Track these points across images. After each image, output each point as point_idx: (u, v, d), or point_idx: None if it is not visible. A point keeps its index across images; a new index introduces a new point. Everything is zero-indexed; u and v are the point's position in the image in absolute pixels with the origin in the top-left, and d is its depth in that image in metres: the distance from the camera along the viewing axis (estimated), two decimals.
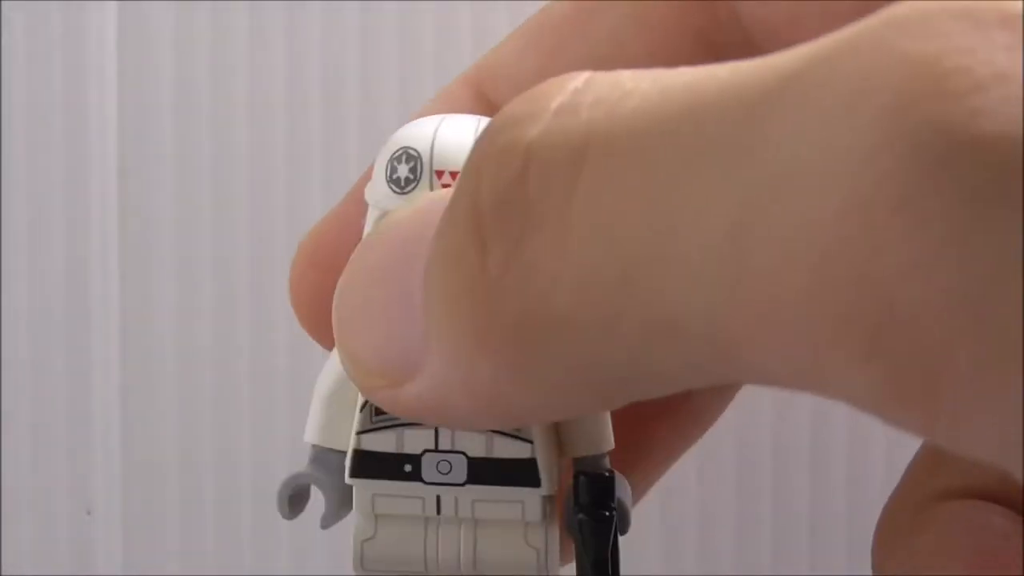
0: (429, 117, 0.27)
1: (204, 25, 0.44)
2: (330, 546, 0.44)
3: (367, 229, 0.26)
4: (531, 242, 0.20)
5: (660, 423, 0.29)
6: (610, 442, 0.26)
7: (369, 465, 0.26)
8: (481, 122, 0.26)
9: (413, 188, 0.26)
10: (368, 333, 0.23)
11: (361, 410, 0.26)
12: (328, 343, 0.29)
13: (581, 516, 0.26)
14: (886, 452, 0.45)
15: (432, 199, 0.23)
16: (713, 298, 0.18)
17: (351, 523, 0.28)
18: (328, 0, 0.44)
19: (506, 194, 0.20)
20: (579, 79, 0.20)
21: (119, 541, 0.45)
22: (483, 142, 0.21)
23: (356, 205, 0.28)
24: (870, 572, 0.30)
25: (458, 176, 0.22)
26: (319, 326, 0.29)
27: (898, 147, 0.17)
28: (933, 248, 0.16)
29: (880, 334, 0.17)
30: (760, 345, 0.18)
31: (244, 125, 0.45)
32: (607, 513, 0.26)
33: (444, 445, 0.26)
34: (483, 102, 0.28)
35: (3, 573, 0.45)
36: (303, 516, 0.28)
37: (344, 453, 0.27)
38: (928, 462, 0.28)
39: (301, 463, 0.44)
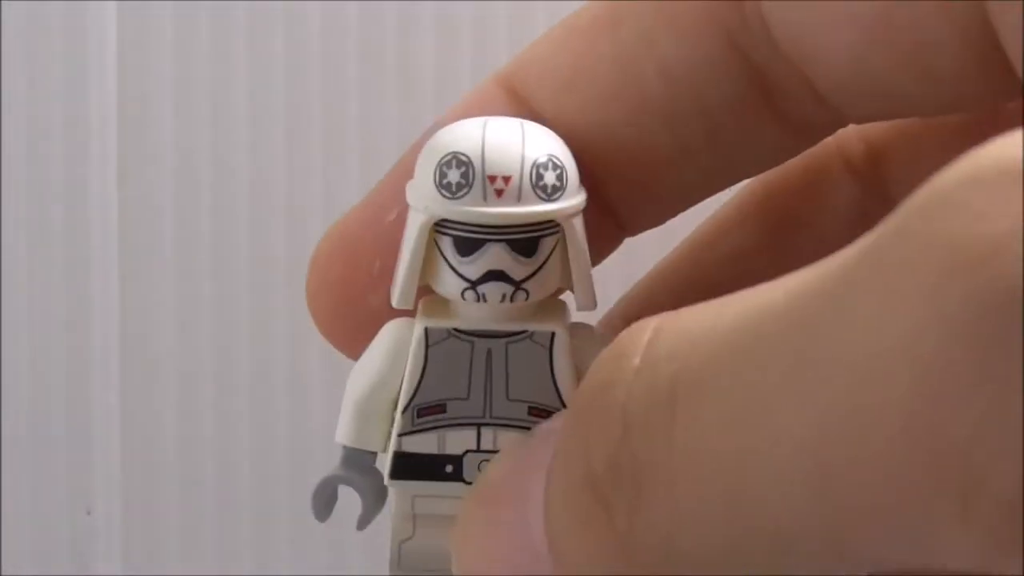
0: (471, 120, 0.27)
1: (204, 25, 0.44)
2: (330, 546, 0.44)
3: (408, 231, 0.26)
4: (647, 495, 0.21)
5: None
6: None
7: (410, 467, 0.27)
8: (524, 124, 0.26)
9: (466, 193, 0.26)
10: (489, 548, 0.25)
11: (403, 412, 0.27)
12: (340, 340, 0.29)
13: None
14: None
15: (536, 449, 0.25)
16: (811, 498, 0.19)
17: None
18: (328, 0, 0.44)
19: (616, 457, 0.22)
20: (649, 330, 0.22)
21: (119, 541, 0.45)
22: (582, 401, 0.23)
23: (387, 197, 0.28)
24: None
25: (561, 439, 0.23)
26: (336, 321, 0.29)
27: (944, 322, 0.18)
28: (986, 403, 0.18)
29: (968, 492, 0.18)
30: (861, 531, 0.19)
31: (244, 125, 0.45)
32: None
33: (486, 445, 0.27)
34: (516, 101, 0.29)
35: (3, 573, 0.45)
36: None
37: (375, 454, 0.27)
38: None
39: (301, 463, 0.45)
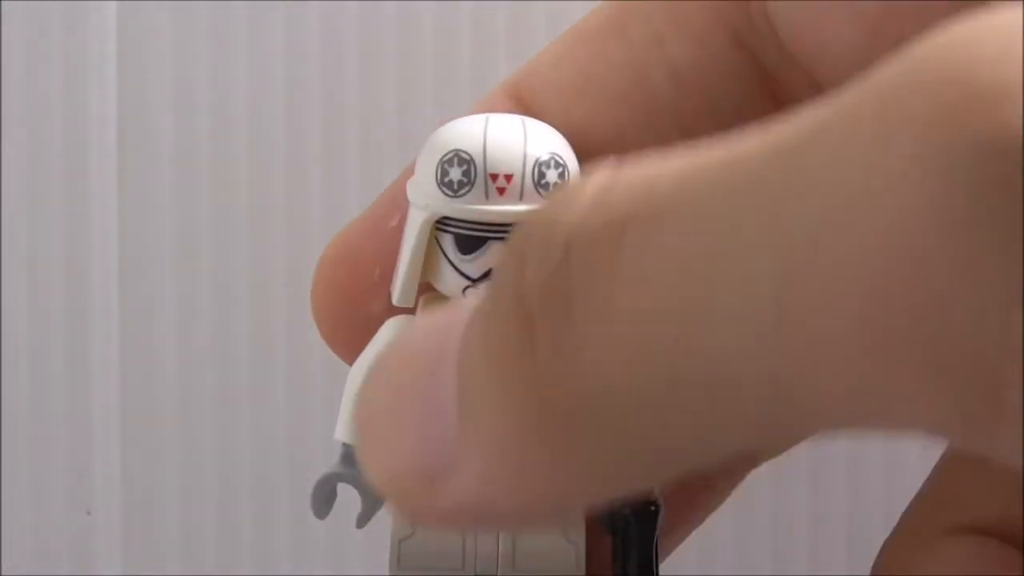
0: (472, 117, 0.27)
1: (204, 25, 0.44)
2: (330, 546, 0.44)
3: (409, 229, 0.26)
4: (579, 324, 0.20)
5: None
6: None
7: None
8: (526, 122, 0.26)
9: (468, 191, 0.26)
10: (396, 441, 0.22)
11: None
12: (342, 346, 0.29)
13: (627, 511, 0.26)
14: (885, 452, 0.45)
15: (457, 310, 0.23)
16: (767, 347, 0.18)
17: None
18: (328, 0, 0.44)
19: (550, 281, 0.20)
20: (608, 173, 0.21)
21: (119, 541, 0.45)
22: (521, 236, 0.21)
23: (389, 207, 0.28)
24: (869, 572, 0.30)
25: (493, 272, 0.22)
26: (338, 326, 0.29)
27: (937, 165, 0.17)
28: (978, 261, 0.17)
29: (940, 354, 0.17)
30: (817, 386, 0.18)
31: (244, 125, 0.45)
32: (652, 508, 0.26)
33: None
34: (524, 110, 0.28)
35: (3, 573, 0.45)
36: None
37: None
38: (930, 500, 0.28)
39: (302, 463, 0.45)
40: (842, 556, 0.45)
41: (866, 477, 0.45)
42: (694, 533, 0.33)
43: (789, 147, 0.18)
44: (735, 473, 0.30)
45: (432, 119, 0.44)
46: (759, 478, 0.39)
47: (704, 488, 0.29)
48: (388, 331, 0.27)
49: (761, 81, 0.28)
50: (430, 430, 0.22)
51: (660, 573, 0.29)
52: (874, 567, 0.28)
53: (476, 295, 0.22)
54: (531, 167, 0.26)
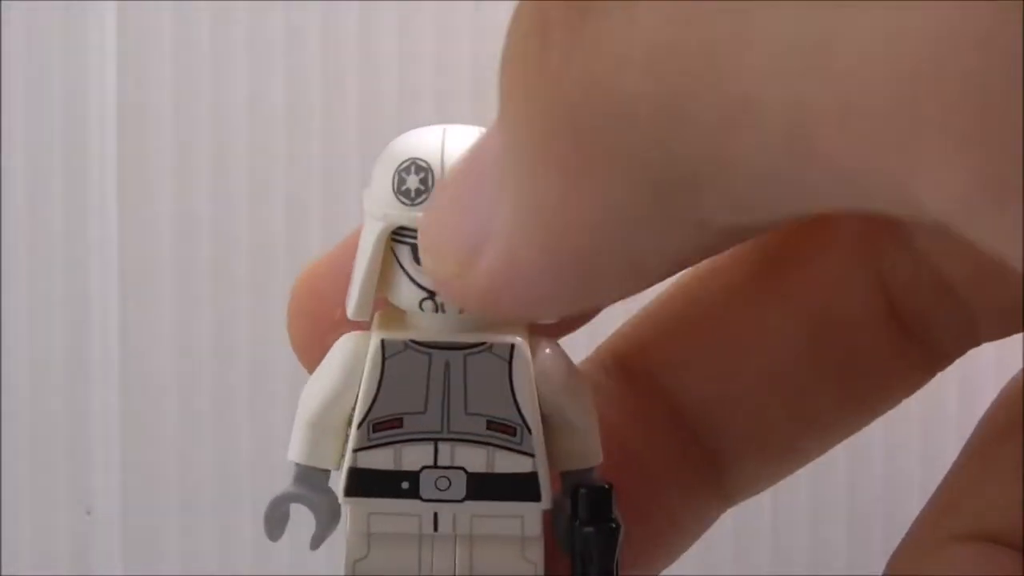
0: (429, 127, 0.26)
1: (204, 25, 0.44)
2: (330, 546, 0.44)
3: (365, 240, 0.26)
4: (596, 20, 0.18)
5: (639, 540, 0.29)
6: (599, 456, 0.26)
7: (365, 483, 0.26)
8: (483, 131, 0.26)
9: (424, 200, 0.25)
10: (443, 222, 0.23)
11: (358, 427, 0.26)
12: (312, 364, 0.28)
13: (588, 529, 0.26)
14: (885, 453, 0.45)
15: (479, 139, 0.23)
16: (796, 78, 0.17)
17: (345, 523, 0.28)
18: (328, 0, 0.44)
19: None
20: None
21: (119, 541, 0.45)
22: None
23: (351, 252, 0.27)
24: (870, 572, 0.30)
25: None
26: (306, 346, 0.28)
27: None
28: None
29: (982, 121, 0.16)
30: (843, 134, 0.17)
31: (244, 125, 0.45)
32: (612, 525, 0.26)
33: (443, 461, 0.26)
34: (630, 381, 0.29)
35: (3, 573, 0.45)
36: (303, 515, 0.28)
37: (328, 472, 0.27)
38: (938, 507, 0.28)
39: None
40: (842, 556, 0.45)
41: (866, 477, 0.45)
42: None
43: None
44: (704, 515, 0.30)
45: (432, 119, 0.44)
46: None
47: (670, 526, 0.29)
48: (343, 349, 0.26)
49: (895, 315, 0.27)
50: (471, 200, 0.22)
51: (659, 574, 0.29)
52: (884, 571, 0.28)
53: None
54: None
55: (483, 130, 0.26)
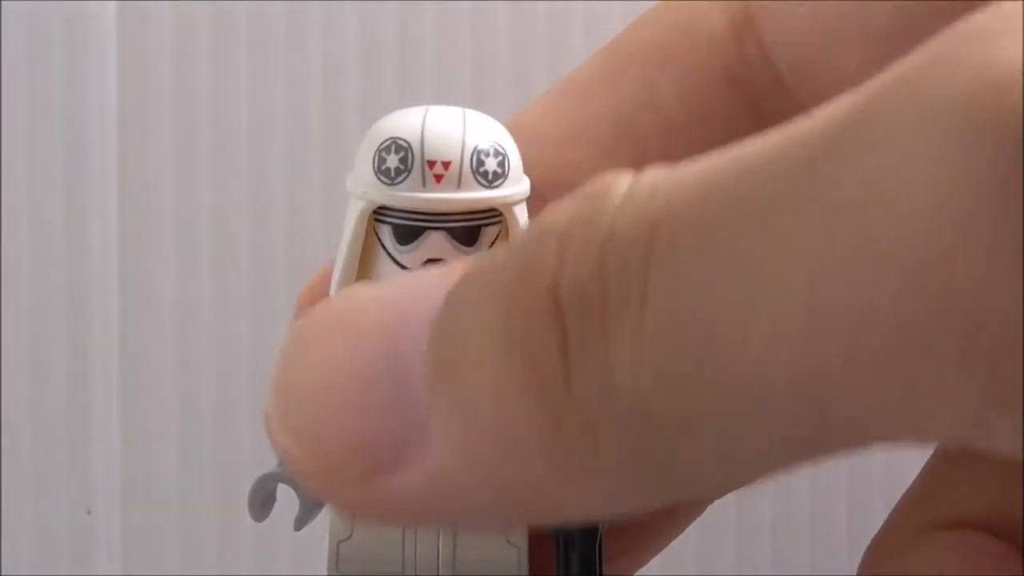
0: (412, 108, 0.26)
1: (204, 25, 0.44)
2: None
3: (347, 222, 0.26)
4: (612, 330, 0.19)
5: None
6: None
7: None
8: (466, 113, 0.26)
9: (404, 178, 0.25)
10: (338, 421, 0.21)
11: None
12: None
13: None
14: (885, 452, 0.45)
15: (415, 284, 0.22)
16: (798, 347, 0.17)
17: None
18: (328, 0, 0.44)
19: (586, 286, 0.19)
20: (629, 174, 0.20)
21: (119, 541, 0.45)
22: (555, 224, 0.20)
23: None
24: None
25: (504, 275, 0.20)
26: None
27: (974, 150, 0.16)
28: (1001, 240, 0.16)
29: (976, 339, 0.16)
30: (850, 383, 0.17)
31: (244, 124, 0.45)
32: None
33: None
34: None
35: (3, 573, 0.45)
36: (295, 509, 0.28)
37: None
38: (920, 494, 0.28)
39: None
40: (842, 556, 0.45)
41: (866, 477, 0.45)
42: (694, 531, 0.33)
43: (821, 139, 0.18)
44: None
45: None
46: None
47: (664, 513, 0.29)
48: None
49: (756, 123, 0.27)
50: (390, 412, 0.20)
51: (657, 574, 0.28)
52: (862, 561, 0.28)
53: (437, 276, 0.21)
54: (469, 154, 0.25)
55: (465, 110, 0.26)
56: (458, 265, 0.21)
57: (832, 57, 0.26)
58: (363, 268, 0.26)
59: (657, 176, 0.19)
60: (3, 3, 0.44)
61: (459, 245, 0.26)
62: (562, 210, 0.20)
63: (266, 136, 0.45)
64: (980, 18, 0.17)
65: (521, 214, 0.26)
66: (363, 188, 0.25)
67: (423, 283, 0.21)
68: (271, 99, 0.44)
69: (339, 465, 0.21)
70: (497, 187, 0.26)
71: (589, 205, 0.20)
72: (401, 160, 0.25)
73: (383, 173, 0.25)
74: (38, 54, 0.44)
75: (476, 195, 0.26)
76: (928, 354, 0.17)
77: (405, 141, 0.25)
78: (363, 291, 0.22)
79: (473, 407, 0.20)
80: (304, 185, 0.45)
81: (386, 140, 0.26)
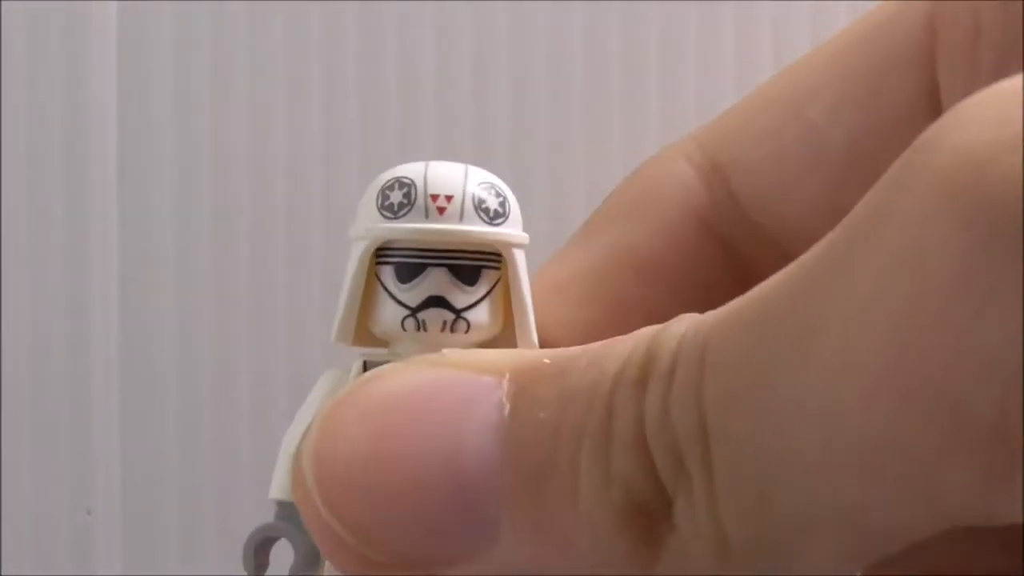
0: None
1: (204, 25, 0.44)
2: None
3: (349, 265, 0.26)
4: (696, 481, 0.20)
5: None
6: None
7: None
8: (468, 168, 0.26)
9: (408, 211, 0.25)
10: (393, 509, 0.21)
11: None
12: None
13: None
14: None
15: (468, 373, 0.22)
16: (827, 477, 0.19)
17: None
18: (328, 0, 0.44)
19: (669, 444, 0.20)
20: (671, 327, 0.21)
21: (119, 541, 0.45)
22: (629, 379, 0.21)
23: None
24: None
25: (600, 398, 0.21)
26: None
27: (922, 252, 0.17)
28: (963, 323, 0.17)
29: (951, 424, 0.17)
30: (875, 498, 0.18)
31: (244, 125, 0.45)
32: None
33: None
34: None
35: (3, 573, 0.45)
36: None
37: None
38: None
39: None
40: None
41: None
42: None
43: (805, 287, 0.19)
44: None
45: (432, 117, 0.44)
46: None
47: None
48: (324, 383, 0.26)
49: (730, 261, 0.29)
50: (448, 496, 0.21)
51: None
52: None
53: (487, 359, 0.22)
54: (471, 190, 0.26)
55: (468, 166, 0.26)
56: (505, 356, 0.22)
57: (794, 189, 0.28)
58: (364, 312, 0.26)
59: (697, 325, 0.21)
60: (3, 3, 0.44)
61: (460, 283, 0.26)
62: (626, 353, 0.21)
63: (266, 136, 0.45)
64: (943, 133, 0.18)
65: (521, 259, 0.26)
66: (366, 227, 0.26)
67: (477, 368, 0.22)
68: (271, 98, 0.44)
69: (390, 553, 0.21)
70: (499, 225, 0.26)
71: (650, 350, 0.21)
72: (404, 195, 0.26)
73: (386, 209, 0.26)
74: (38, 54, 0.44)
75: (478, 229, 0.26)
76: (919, 452, 0.18)
77: (408, 179, 0.26)
78: (414, 371, 0.22)
79: (561, 532, 0.21)
80: (304, 185, 0.45)
81: (390, 180, 0.26)
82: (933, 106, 0.27)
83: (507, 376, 0.21)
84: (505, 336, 0.27)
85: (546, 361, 0.21)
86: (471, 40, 0.45)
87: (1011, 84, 0.18)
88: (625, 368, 0.21)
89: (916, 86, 0.27)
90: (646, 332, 0.21)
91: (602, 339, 0.27)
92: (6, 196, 0.44)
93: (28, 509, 0.45)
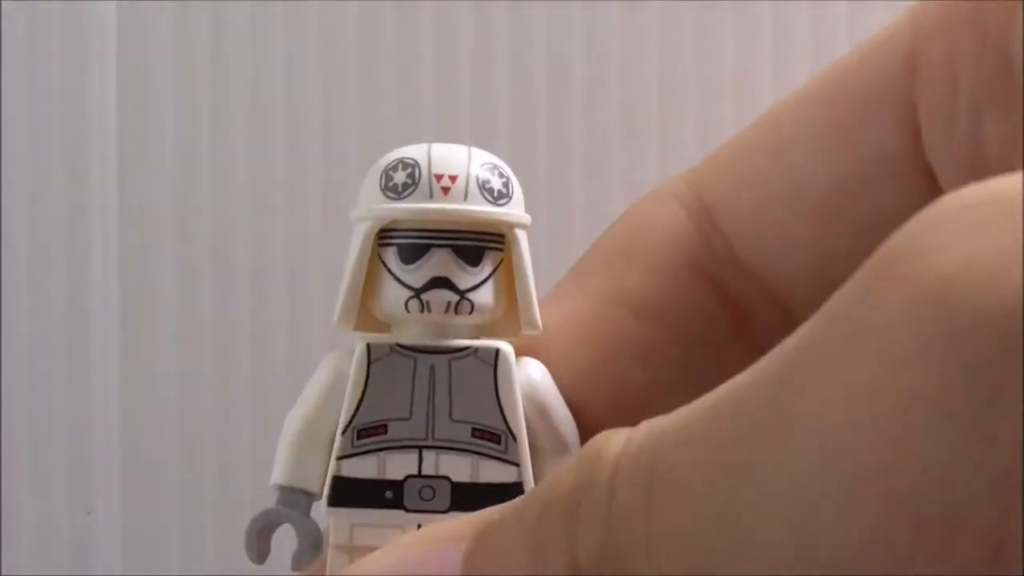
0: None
1: (204, 25, 0.44)
2: None
3: (352, 248, 0.26)
4: None
5: None
6: None
7: (349, 493, 0.26)
8: (471, 149, 0.26)
9: (412, 191, 0.25)
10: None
11: (343, 434, 0.26)
12: None
13: None
14: None
15: (428, 547, 0.23)
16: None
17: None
18: (328, 0, 0.44)
19: (601, 553, 0.20)
20: (622, 433, 0.21)
21: (119, 541, 0.45)
22: (558, 512, 0.21)
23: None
24: None
25: (534, 528, 0.21)
26: None
27: (906, 362, 0.17)
28: (955, 439, 0.17)
29: (947, 536, 0.17)
30: None
31: (244, 124, 0.45)
32: None
33: (428, 470, 0.26)
34: None
35: (3, 573, 0.45)
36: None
37: (313, 494, 0.26)
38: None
39: None
40: None
41: None
42: None
43: (782, 378, 0.19)
44: None
45: (431, 117, 0.44)
46: None
47: None
48: (327, 366, 0.27)
49: (724, 305, 0.29)
50: None
51: None
52: None
53: (447, 529, 0.22)
54: (475, 170, 0.26)
55: (471, 148, 0.26)
56: (468, 519, 0.22)
57: (779, 230, 0.28)
58: (367, 294, 0.26)
59: (640, 434, 0.21)
60: (3, 3, 0.44)
61: (463, 264, 0.26)
62: (564, 481, 0.21)
63: (266, 135, 0.45)
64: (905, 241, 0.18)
65: (524, 240, 0.26)
66: (368, 206, 0.26)
67: (442, 539, 0.23)
68: (271, 99, 0.44)
69: None
70: (502, 206, 0.26)
71: (586, 474, 0.21)
72: (408, 175, 0.26)
73: (390, 189, 0.26)
74: (38, 54, 0.44)
75: (483, 208, 0.26)
76: (911, 563, 0.18)
77: (412, 159, 0.26)
78: (387, 558, 0.23)
79: None
80: (305, 184, 0.45)
81: (393, 161, 0.26)
82: (915, 147, 0.27)
83: (468, 538, 0.22)
84: (507, 319, 0.27)
85: (496, 516, 0.22)
86: (471, 39, 0.45)
87: (976, 192, 0.18)
88: (552, 500, 0.21)
89: (897, 128, 0.27)
90: (585, 450, 0.21)
91: (601, 380, 0.28)
92: (6, 196, 0.44)
93: (28, 509, 0.45)
